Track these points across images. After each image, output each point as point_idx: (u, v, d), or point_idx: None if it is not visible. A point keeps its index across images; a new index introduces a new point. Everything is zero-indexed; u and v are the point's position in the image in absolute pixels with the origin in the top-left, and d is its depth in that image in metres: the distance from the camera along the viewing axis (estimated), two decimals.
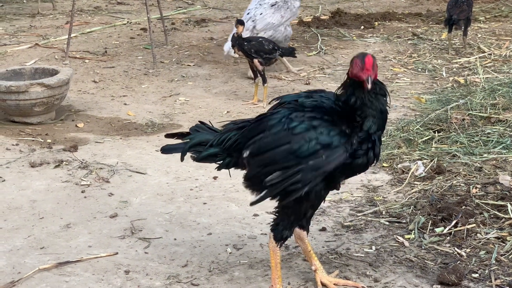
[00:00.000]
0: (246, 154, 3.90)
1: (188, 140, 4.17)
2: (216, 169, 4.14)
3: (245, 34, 8.19)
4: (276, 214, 4.01)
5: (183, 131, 4.29)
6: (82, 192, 5.46)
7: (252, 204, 3.97)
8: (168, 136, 4.34)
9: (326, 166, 3.74)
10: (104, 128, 6.89)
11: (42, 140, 6.55)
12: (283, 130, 3.78)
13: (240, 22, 7.41)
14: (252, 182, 3.95)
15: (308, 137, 3.72)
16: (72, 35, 9.24)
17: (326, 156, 3.72)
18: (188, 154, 4.20)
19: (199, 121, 4.32)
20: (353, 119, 3.78)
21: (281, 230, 3.96)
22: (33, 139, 6.58)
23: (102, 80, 8.34)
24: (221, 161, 4.06)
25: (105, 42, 10.02)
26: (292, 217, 3.95)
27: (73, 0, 9.04)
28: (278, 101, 4.03)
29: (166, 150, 4.30)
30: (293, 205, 3.90)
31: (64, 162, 5.99)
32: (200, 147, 4.11)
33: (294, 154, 3.74)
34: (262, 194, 3.88)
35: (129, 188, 5.53)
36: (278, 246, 3.98)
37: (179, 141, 4.27)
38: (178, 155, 4.24)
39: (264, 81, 7.44)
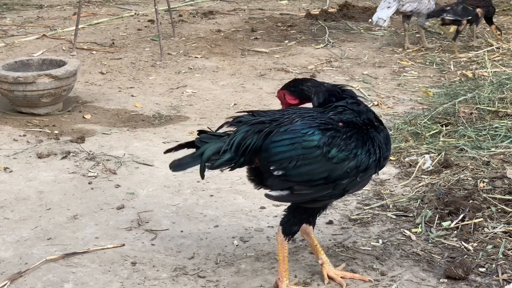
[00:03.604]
0: (278, 173, 3.79)
1: (200, 153, 3.88)
2: (229, 170, 3.98)
3: (393, 5, 8.63)
4: (288, 209, 4.00)
5: (181, 143, 4.05)
6: (89, 183, 5.46)
7: (269, 197, 3.89)
8: (167, 152, 4.05)
9: (358, 186, 3.91)
10: (111, 120, 6.89)
11: (50, 131, 6.55)
12: (322, 156, 3.74)
13: None
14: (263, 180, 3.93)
15: (348, 168, 3.77)
16: (79, 26, 9.24)
17: (360, 178, 3.84)
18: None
19: (198, 130, 4.05)
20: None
21: (290, 225, 3.95)
22: (41, 130, 6.59)
23: (109, 72, 8.34)
24: (234, 164, 3.88)
25: (113, 34, 10.01)
26: (304, 215, 3.97)
27: None
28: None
29: (176, 167, 3.96)
30: (308, 205, 3.94)
31: (71, 154, 5.99)
32: (213, 156, 3.88)
33: (331, 179, 3.78)
34: (284, 194, 3.84)
35: (136, 179, 5.53)
36: (287, 240, 3.97)
37: (184, 150, 4.02)
38: (183, 150, 4.04)
39: None
